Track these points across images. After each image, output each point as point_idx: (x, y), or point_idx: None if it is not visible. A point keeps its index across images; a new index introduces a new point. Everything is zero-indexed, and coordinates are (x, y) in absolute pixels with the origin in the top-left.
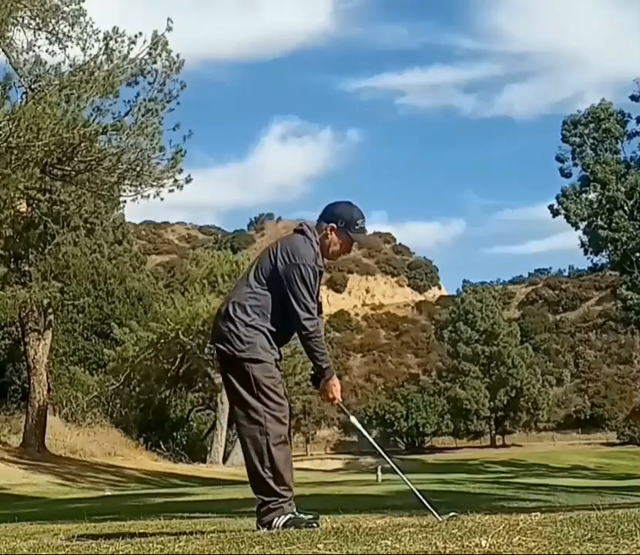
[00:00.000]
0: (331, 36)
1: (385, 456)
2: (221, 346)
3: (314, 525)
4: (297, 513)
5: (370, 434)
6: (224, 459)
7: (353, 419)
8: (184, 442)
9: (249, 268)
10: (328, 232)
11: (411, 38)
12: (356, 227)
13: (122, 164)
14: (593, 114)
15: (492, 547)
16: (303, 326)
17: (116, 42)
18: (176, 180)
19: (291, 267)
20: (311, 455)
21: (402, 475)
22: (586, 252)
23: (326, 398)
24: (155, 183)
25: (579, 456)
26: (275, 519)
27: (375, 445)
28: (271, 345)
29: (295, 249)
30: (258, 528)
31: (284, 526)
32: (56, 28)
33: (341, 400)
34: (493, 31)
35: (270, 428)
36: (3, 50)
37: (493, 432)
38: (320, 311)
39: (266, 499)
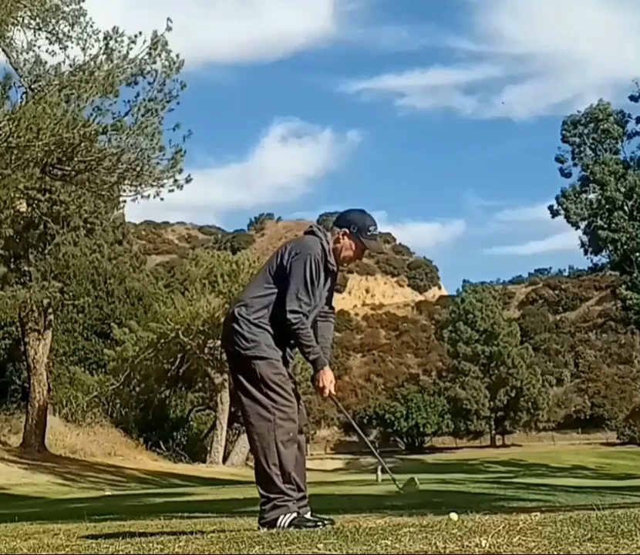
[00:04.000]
0: (331, 38)
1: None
2: (229, 347)
3: (321, 525)
4: (300, 513)
5: (367, 435)
6: (224, 459)
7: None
8: (184, 442)
9: (258, 271)
10: (341, 236)
11: (411, 39)
12: (368, 234)
13: (122, 164)
14: (592, 114)
15: (492, 547)
16: (288, 318)
17: (116, 41)
18: (176, 180)
19: (297, 257)
20: (311, 455)
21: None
22: (586, 252)
23: (317, 389)
24: (155, 183)
25: (579, 456)
26: (280, 517)
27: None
28: (275, 344)
29: (303, 244)
30: (259, 528)
31: (290, 524)
32: (56, 28)
33: (334, 392)
34: (492, 33)
35: (279, 424)
36: (3, 50)
37: (493, 432)
38: (331, 313)
39: (272, 496)
